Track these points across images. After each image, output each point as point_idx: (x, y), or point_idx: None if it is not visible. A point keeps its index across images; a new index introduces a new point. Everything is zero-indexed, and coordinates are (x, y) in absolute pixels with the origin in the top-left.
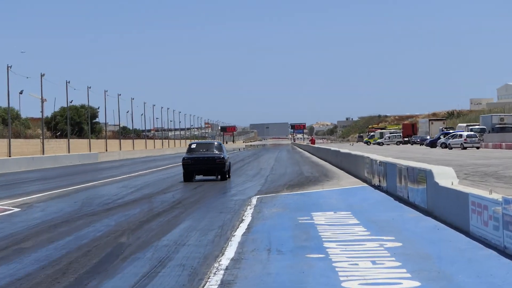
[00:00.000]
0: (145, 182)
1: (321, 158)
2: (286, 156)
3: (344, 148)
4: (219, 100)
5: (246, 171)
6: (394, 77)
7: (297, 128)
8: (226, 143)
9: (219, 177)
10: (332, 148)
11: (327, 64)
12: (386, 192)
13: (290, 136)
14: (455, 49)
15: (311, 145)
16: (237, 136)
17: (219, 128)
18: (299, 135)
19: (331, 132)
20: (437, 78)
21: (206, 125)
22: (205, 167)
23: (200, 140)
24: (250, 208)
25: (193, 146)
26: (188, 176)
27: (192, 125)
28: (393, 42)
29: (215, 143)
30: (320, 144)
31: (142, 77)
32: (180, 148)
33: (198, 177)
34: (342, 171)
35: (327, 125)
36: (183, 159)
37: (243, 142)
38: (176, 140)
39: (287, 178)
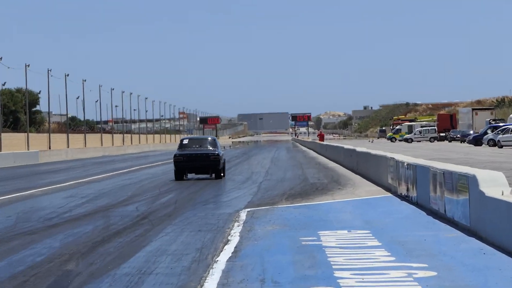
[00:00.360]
0: (100, 190)
1: (331, 159)
2: (286, 156)
3: (362, 146)
4: (197, 85)
5: (233, 176)
6: (426, 56)
7: (300, 119)
8: None
9: (213, 175)
10: (346, 147)
11: (336, 41)
12: (416, 204)
13: (290, 130)
14: (504, 22)
15: (319, 142)
16: (221, 130)
17: (198, 119)
18: (303, 129)
19: (344, 125)
20: (482, 57)
21: (181, 115)
22: (198, 164)
23: (192, 135)
24: (238, 225)
25: (185, 141)
26: (180, 174)
27: (162, 116)
28: (423, 14)
29: (209, 138)
30: (330, 141)
31: (96, 55)
32: (146, 145)
33: (190, 175)
34: (358, 177)
35: (338, 115)
36: (175, 156)
37: (229, 137)
38: (141, 135)
39: (286, 185)
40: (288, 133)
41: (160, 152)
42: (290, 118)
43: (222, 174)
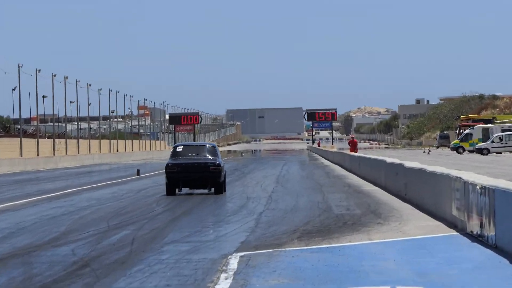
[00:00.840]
0: (18, 224)
1: (366, 179)
2: (299, 173)
3: (413, 159)
4: (170, 72)
5: (218, 202)
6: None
7: (321, 118)
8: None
9: (212, 189)
10: (389, 160)
11: (374, 15)
12: (495, 247)
13: (306, 134)
14: None
15: (350, 153)
16: (203, 133)
17: (167, 117)
18: (324, 133)
19: (386, 127)
20: None
21: (142, 111)
22: (196, 176)
23: (188, 142)
24: (226, 278)
25: (179, 149)
26: (172, 188)
27: (114, 112)
28: None
29: (207, 145)
30: (365, 151)
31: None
32: (89, 156)
33: (185, 190)
34: (407, 205)
35: (378, 113)
36: (167, 165)
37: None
38: (81, 140)
39: (299, 217)
40: (302, 139)
41: (110, 166)
42: (306, 116)
43: (223, 189)
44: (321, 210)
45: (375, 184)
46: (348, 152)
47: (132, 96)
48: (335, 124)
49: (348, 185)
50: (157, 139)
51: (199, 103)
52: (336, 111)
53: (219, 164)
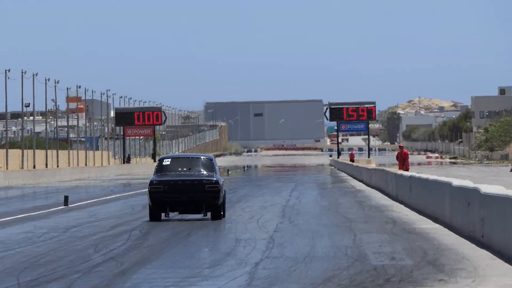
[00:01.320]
0: None
1: (420, 212)
2: (316, 201)
3: (494, 181)
4: (114, 45)
5: (193, 247)
6: None
7: (351, 116)
8: (135, 157)
9: (208, 214)
10: (456, 183)
11: None
12: None
13: (328, 141)
14: None
15: (398, 171)
16: (169, 139)
17: (112, 114)
18: (357, 139)
19: (452, 130)
20: None
21: (74, 105)
22: (187, 197)
23: (178, 154)
24: None
25: (167, 162)
26: (157, 212)
27: (28, 106)
28: None
29: (203, 157)
30: (420, 167)
31: None
32: None
33: (172, 215)
34: (484, 252)
35: (439, 108)
36: (151, 183)
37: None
38: None
39: (317, 270)
40: (322, 149)
41: (22, 190)
42: (328, 113)
43: (222, 213)
44: (350, 259)
45: (435, 220)
46: (393, 169)
47: (58, 82)
48: (373, 126)
49: (392, 221)
50: (97, 149)
51: (166, 95)
52: (374, 106)
53: (217, 182)
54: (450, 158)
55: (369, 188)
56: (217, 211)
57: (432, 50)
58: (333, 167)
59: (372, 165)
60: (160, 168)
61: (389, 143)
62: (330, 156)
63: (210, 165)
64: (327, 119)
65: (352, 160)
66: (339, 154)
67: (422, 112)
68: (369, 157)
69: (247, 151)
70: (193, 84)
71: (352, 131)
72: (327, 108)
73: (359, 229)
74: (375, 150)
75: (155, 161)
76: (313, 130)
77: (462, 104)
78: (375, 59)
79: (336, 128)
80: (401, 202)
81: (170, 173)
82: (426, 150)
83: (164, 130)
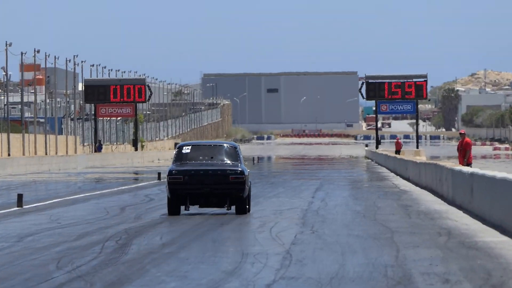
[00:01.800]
0: None
1: (484, 220)
2: (347, 205)
3: None
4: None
5: (186, 266)
6: None
7: (394, 93)
8: (110, 143)
9: (231, 208)
10: None
11: None
12: None
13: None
14: None
15: (456, 166)
16: (155, 121)
17: (81, 85)
18: (403, 124)
19: None
20: None
21: (30, 75)
22: (209, 188)
23: (199, 141)
24: None
25: (186, 150)
26: (177, 206)
27: None
28: None
29: (226, 145)
30: (485, 161)
31: None
32: None
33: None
34: None
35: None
36: (169, 173)
37: (175, 141)
38: None
39: None
40: (355, 137)
41: None
42: (364, 89)
43: (247, 207)
44: (392, 281)
45: (503, 231)
46: (449, 164)
47: (10, 45)
48: (423, 106)
49: (447, 232)
50: (60, 133)
51: (152, 65)
52: (426, 81)
53: (242, 172)
54: None
55: (417, 189)
56: (242, 205)
57: (499, 8)
58: (370, 160)
59: (422, 158)
60: (180, 157)
61: (444, 129)
62: (367, 145)
63: (234, 154)
64: (363, 97)
65: (397, 151)
66: (378, 143)
67: (489, 89)
68: (417, 147)
69: (258, 138)
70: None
71: (396, 113)
72: (363, 83)
73: (403, 243)
74: (425, 138)
75: (136, 149)
76: (345, 111)
77: None
78: (425, 20)
79: (374, 109)
80: (459, 207)
81: (190, 162)
82: (493, 140)
83: (149, 110)
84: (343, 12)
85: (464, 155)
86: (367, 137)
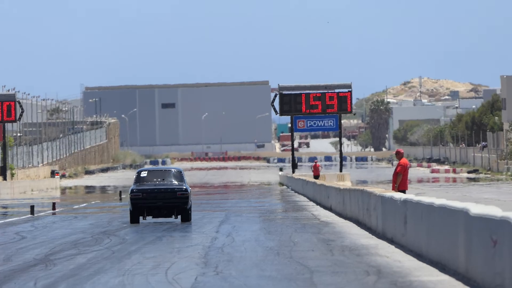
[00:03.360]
0: None
1: (420, 256)
2: (258, 240)
3: None
4: None
5: None
6: None
7: (312, 108)
8: None
9: (178, 217)
10: (475, 210)
11: None
12: None
13: (275, 146)
14: None
15: (388, 194)
16: (27, 144)
17: None
18: (324, 143)
19: (471, 128)
20: None
21: None
22: (162, 203)
23: (153, 167)
24: None
25: (144, 174)
26: (137, 216)
27: None
28: None
29: (173, 170)
30: (422, 185)
31: None
32: None
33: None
34: None
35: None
36: (131, 191)
37: (53, 172)
38: None
39: None
40: (267, 160)
41: None
42: (277, 101)
43: (189, 216)
44: None
45: (443, 268)
46: (378, 189)
47: None
48: (348, 122)
49: (377, 271)
50: None
51: (23, 77)
52: (350, 92)
53: (186, 190)
54: (469, 172)
55: (341, 220)
56: (186, 215)
57: (435, 7)
58: (285, 187)
59: (347, 183)
60: (138, 179)
61: (373, 149)
62: (281, 170)
63: (179, 176)
64: (276, 112)
65: (316, 176)
66: (294, 166)
67: (425, 100)
68: (341, 170)
69: (152, 162)
70: (64, 60)
71: (316, 130)
72: (276, 95)
73: (324, 284)
74: (351, 160)
75: (5, 178)
76: (255, 129)
77: (486, 88)
78: (349, 21)
79: (290, 126)
80: (390, 241)
81: (147, 183)
82: (430, 160)
83: (20, 131)
84: (252, 13)
85: (401, 180)
86: (281, 160)
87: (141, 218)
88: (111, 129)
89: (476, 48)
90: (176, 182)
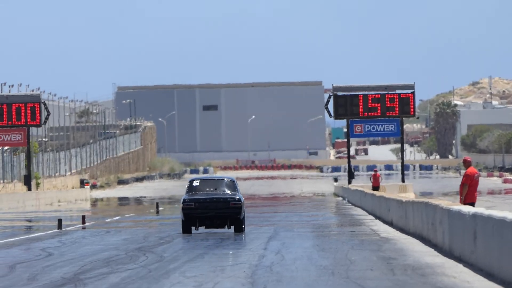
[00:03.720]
0: None
1: (490, 275)
2: (310, 258)
3: None
4: None
5: None
6: None
7: (370, 111)
8: None
9: (231, 227)
10: None
11: None
12: None
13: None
14: None
15: (455, 207)
16: (53, 151)
17: None
18: (384, 149)
19: None
20: None
21: None
22: (214, 213)
23: (205, 175)
24: None
25: (196, 183)
26: (189, 226)
27: None
28: None
29: (226, 179)
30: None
31: None
32: None
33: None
34: None
35: None
36: (183, 201)
37: (83, 180)
38: None
39: None
40: (319, 169)
41: None
42: (332, 104)
43: (243, 227)
44: None
45: None
46: (446, 202)
47: None
48: (410, 126)
49: None
50: None
51: (50, 76)
52: (413, 93)
53: (239, 200)
54: None
55: (403, 236)
56: (240, 225)
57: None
58: (340, 199)
59: (409, 195)
60: (191, 188)
61: (438, 157)
62: (336, 180)
63: (232, 186)
64: (330, 115)
65: (375, 187)
66: (351, 176)
67: (496, 102)
68: (403, 181)
69: (192, 171)
70: (95, 57)
71: (375, 136)
72: (330, 96)
73: None
74: (414, 169)
75: (29, 188)
76: (307, 134)
77: None
78: (412, 19)
79: (346, 130)
80: (458, 260)
81: (199, 192)
82: (502, 169)
83: (46, 136)
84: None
85: (469, 191)
86: (336, 169)
87: (193, 228)
88: (147, 133)
89: None
90: (229, 192)
